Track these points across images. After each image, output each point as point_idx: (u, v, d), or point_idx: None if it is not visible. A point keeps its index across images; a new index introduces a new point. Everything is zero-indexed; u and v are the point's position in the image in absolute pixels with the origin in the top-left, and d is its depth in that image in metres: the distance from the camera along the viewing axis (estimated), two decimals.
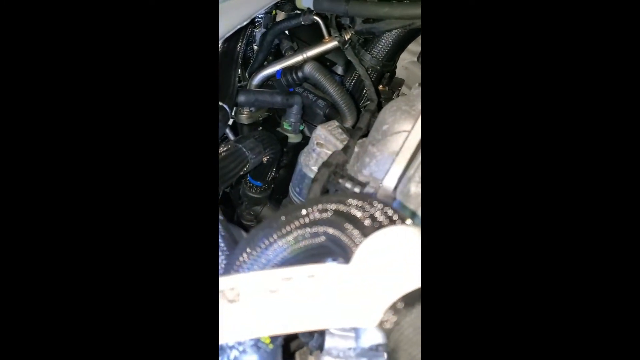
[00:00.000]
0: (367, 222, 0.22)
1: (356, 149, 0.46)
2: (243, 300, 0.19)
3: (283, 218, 0.25)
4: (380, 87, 0.63)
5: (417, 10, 0.47)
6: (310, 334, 0.30)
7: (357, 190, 0.39)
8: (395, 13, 0.48)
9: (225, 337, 0.18)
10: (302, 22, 0.58)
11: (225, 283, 0.19)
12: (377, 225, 0.22)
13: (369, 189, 0.39)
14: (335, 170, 0.41)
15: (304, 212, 0.24)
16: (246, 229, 0.61)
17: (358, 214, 0.23)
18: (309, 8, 0.54)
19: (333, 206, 0.24)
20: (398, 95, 0.70)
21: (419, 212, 0.35)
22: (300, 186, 0.52)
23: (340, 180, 0.40)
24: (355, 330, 0.21)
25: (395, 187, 0.38)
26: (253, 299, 0.19)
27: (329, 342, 0.24)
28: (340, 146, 0.46)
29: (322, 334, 0.27)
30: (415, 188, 0.36)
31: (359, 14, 0.51)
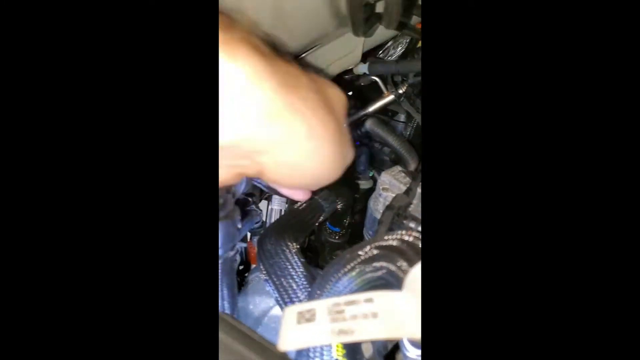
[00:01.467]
0: (412, 254, 0.27)
1: (419, 190, 0.50)
2: (317, 319, 0.25)
3: (347, 256, 0.31)
4: None
5: None
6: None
7: (420, 229, 0.43)
8: None
9: (304, 347, 0.24)
10: (362, 84, 0.67)
11: (304, 307, 0.26)
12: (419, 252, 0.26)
13: None
14: (399, 212, 0.45)
15: (363, 250, 0.30)
16: None
17: (405, 247, 0.28)
18: (365, 73, 0.62)
19: (386, 242, 0.29)
20: None
21: None
22: (372, 229, 0.57)
23: (404, 221, 0.44)
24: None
25: None
26: (325, 317, 0.25)
27: None
28: (404, 189, 0.51)
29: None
30: None
31: (408, 70, 0.58)
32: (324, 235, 0.71)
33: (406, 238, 0.29)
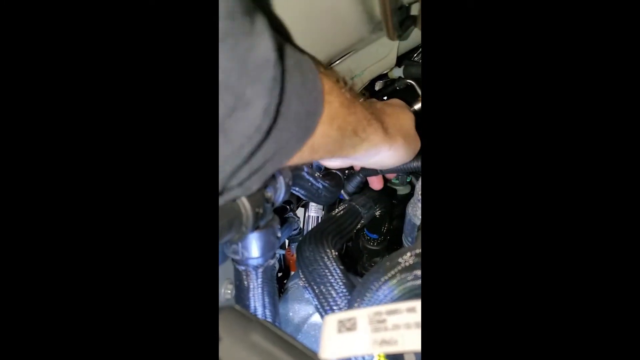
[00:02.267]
0: None
1: None
2: (358, 328, 0.24)
3: (387, 264, 0.30)
4: None
5: None
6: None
7: None
8: None
9: (345, 356, 0.24)
10: (397, 88, 0.66)
11: (344, 315, 0.25)
12: None
13: None
14: None
15: (402, 258, 0.29)
16: None
17: None
18: (400, 77, 0.61)
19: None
20: None
21: None
22: (411, 235, 0.56)
23: None
24: None
25: None
26: (366, 327, 0.24)
27: None
28: None
29: None
30: None
31: None
32: (362, 242, 0.71)
33: None
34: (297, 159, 0.28)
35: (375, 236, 0.69)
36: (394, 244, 0.71)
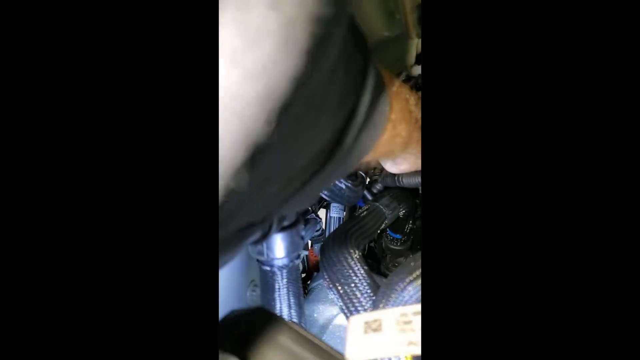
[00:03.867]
0: None
1: None
2: (384, 329, 0.24)
3: (412, 264, 0.30)
4: None
5: None
6: None
7: None
8: None
9: (372, 357, 0.24)
10: (419, 85, 0.65)
11: (370, 316, 0.25)
12: None
13: None
14: None
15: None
16: None
17: None
18: (419, 74, 0.60)
19: None
20: None
21: None
22: None
23: None
24: None
25: None
26: (392, 328, 0.24)
27: None
28: None
29: None
30: None
31: None
32: (385, 242, 0.70)
33: None
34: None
35: (398, 236, 0.69)
36: (417, 244, 0.70)
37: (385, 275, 0.74)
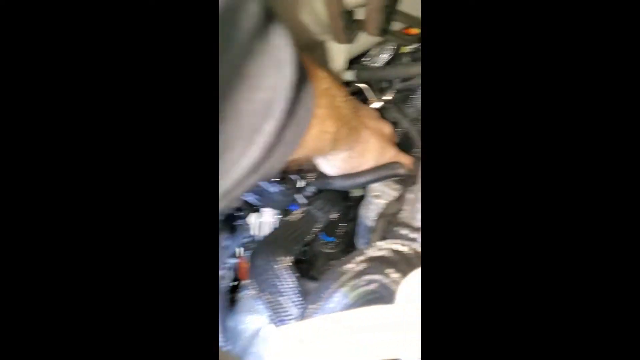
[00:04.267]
0: (404, 264, 0.26)
1: (411, 196, 0.50)
2: (311, 340, 0.24)
3: (339, 269, 0.30)
4: None
5: None
6: None
7: (414, 235, 0.42)
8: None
9: None
10: (350, 92, 0.66)
11: (297, 327, 0.24)
12: (412, 262, 0.26)
13: None
14: (390, 219, 0.45)
15: (353, 263, 0.29)
16: None
17: (397, 257, 0.27)
18: (351, 80, 0.61)
19: (377, 254, 0.28)
20: None
21: None
22: (365, 237, 0.56)
23: (396, 228, 0.43)
24: None
25: None
26: (318, 338, 0.24)
27: None
28: (395, 195, 0.50)
29: None
30: None
31: (395, 76, 0.58)
32: (318, 246, 0.70)
33: (396, 247, 0.28)
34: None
35: (331, 239, 0.69)
36: (349, 247, 0.71)
37: (317, 280, 0.74)
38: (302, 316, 0.31)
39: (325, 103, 0.31)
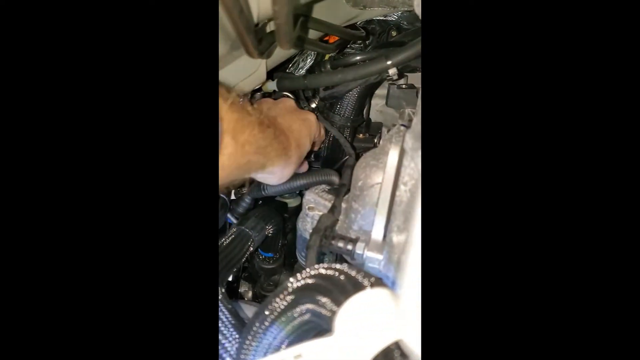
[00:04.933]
0: (335, 290, 0.25)
1: (344, 205, 0.49)
2: None
3: (271, 304, 0.28)
4: (361, 135, 0.68)
5: (367, 70, 0.52)
6: None
7: (349, 247, 0.42)
8: (349, 77, 0.53)
9: None
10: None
11: None
12: (343, 289, 0.25)
13: (360, 244, 0.41)
14: (325, 233, 0.44)
15: (282, 294, 0.27)
16: None
17: (326, 283, 0.26)
18: (274, 90, 0.60)
19: (305, 281, 0.27)
20: (380, 138, 0.74)
21: (403, 259, 0.37)
22: (304, 250, 0.55)
23: (333, 242, 0.42)
24: None
25: (384, 237, 0.41)
26: None
27: None
28: (329, 206, 0.50)
29: None
30: (396, 237, 0.38)
31: (317, 85, 0.57)
32: (258, 262, 0.68)
33: (324, 272, 0.27)
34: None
35: (270, 254, 0.67)
36: (288, 259, 0.70)
37: (261, 297, 0.71)
38: (237, 355, 0.29)
39: (234, 117, 0.31)
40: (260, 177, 0.46)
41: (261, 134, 0.35)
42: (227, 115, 0.30)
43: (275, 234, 0.63)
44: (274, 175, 0.46)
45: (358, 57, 0.56)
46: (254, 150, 0.34)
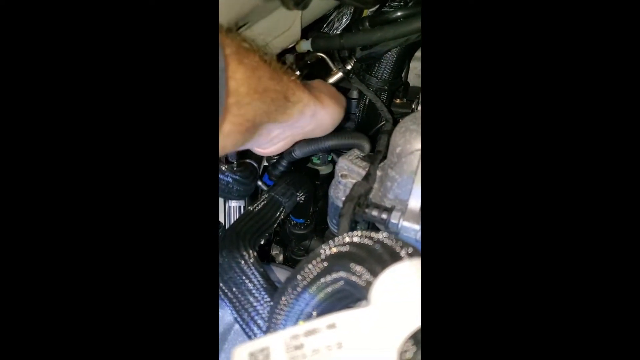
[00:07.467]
0: (370, 260, 0.24)
1: (379, 173, 0.47)
2: (273, 359, 0.21)
3: (304, 269, 0.27)
4: (397, 100, 0.64)
5: (408, 28, 0.48)
6: None
7: (384, 216, 0.40)
8: (388, 35, 0.49)
9: None
10: (308, 62, 0.61)
11: (256, 345, 0.22)
12: (380, 259, 0.23)
13: (396, 213, 0.40)
14: (359, 201, 0.42)
15: (316, 261, 0.26)
16: None
17: (361, 252, 0.24)
18: (308, 50, 0.57)
19: (340, 249, 0.25)
20: (419, 103, 0.70)
21: None
22: (336, 218, 0.54)
23: (367, 210, 0.41)
24: None
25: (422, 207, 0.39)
26: (282, 356, 0.21)
27: None
28: (363, 174, 0.48)
29: None
30: None
31: (354, 44, 0.53)
32: (289, 228, 0.68)
33: (358, 240, 0.26)
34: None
35: (301, 220, 0.66)
36: (321, 224, 0.69)
37: (292, 261, 0.72)
38: (269, 320, 0.28)
39: (235, 42, 0.27)
40: (312, 127, 0.40)
41: (274, 62, 0.30)
42: (227, 41, 0.26)
43: (306, 201, 0.62)
44: (314, 120, 0.40)
45: (399, 13, 0.52)
46: (268, 75, 0.29)
